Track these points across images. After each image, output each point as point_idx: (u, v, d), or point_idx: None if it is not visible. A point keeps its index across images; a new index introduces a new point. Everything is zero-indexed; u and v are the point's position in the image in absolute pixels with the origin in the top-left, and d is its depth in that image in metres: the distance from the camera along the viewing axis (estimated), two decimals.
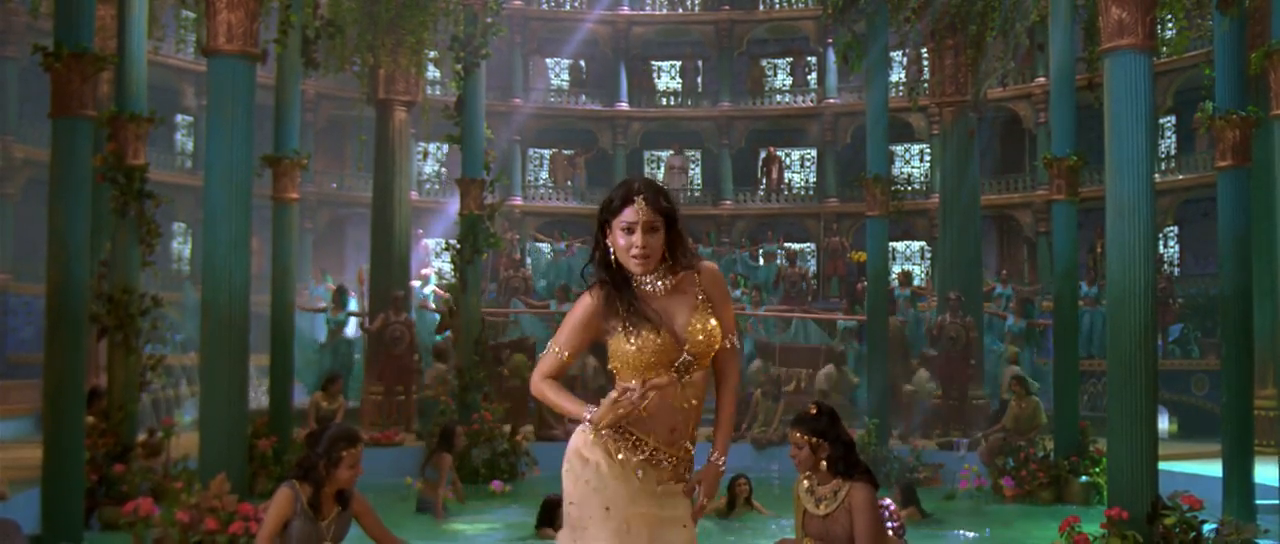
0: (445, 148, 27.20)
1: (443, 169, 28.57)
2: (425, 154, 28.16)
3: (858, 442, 13.50)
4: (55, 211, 7.96)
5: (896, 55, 24.89)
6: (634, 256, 3.49)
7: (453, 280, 14.87)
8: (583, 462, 3.56)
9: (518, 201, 27.46)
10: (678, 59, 30.34)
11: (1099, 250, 20.95)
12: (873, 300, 14.68)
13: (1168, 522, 6.72)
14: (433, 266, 24.49)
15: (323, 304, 18.92)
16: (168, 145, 25.04)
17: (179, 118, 25.14)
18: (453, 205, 19.83)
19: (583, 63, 30.09)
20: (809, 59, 29.54)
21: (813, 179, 29.61)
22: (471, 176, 14.63)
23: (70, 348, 7.87)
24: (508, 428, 14.19)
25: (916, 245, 28.90)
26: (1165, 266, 24.13)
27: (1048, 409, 13.43)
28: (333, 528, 5.47)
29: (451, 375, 14.93)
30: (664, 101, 29.68)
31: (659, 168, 30.07)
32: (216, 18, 6.96)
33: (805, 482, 5.16)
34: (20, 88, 21.28)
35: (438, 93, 22.59)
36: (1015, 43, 15.10)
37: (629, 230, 3.48)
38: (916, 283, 25.64)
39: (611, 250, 3.54)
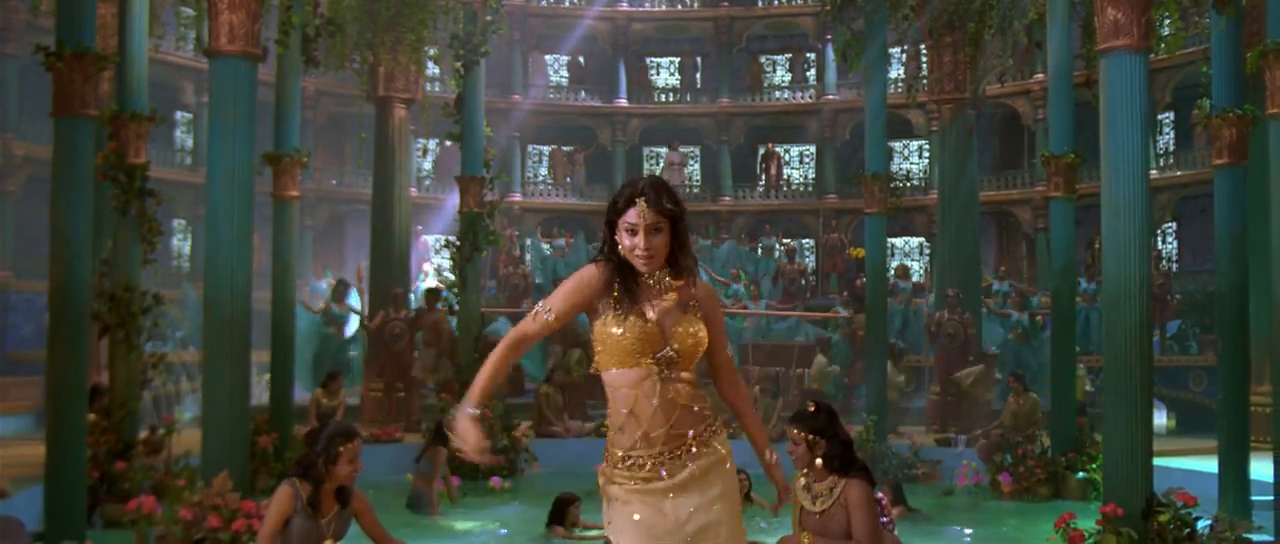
0: (445, 143, 27.21)
1: (436, 164, 28.56)
2: (424, 151, 28.20)
3: (856, 438, 13.60)
4: (57, 210, 8.00)
5: (895, 51, 24.93)
6: (638, 257, 3.52)
7: (453, 277, 14.89)
8: (607, 502, 3.68)
9: (517, 198, 27.51)
10: (677, 55, 30.37)
11: (1097, 246, 20.98)
12: (871, 298, 14.71)
13: (1162, 518, 6.78)
14: (431, 263, 24.55)
15: (323, 303, 18.97)
16: (167, 142, 25.06)
17: (178, 114, 25.16)
18: (451, 201, 19.88)
19: (582, 59, 30.12)
20: (808, 55, 29.57)
21: (811, 175, 29.65)
22: (471, 174, 14.66)
23: (72, 346, 7.91)
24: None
25: (915, 241, 28.95)
26: (1163, 263, 24.18)
27: (1045, 405, 13.49)
28: (333, 526, 5.52)
29: (444, 363, 14.99)
30: (663, 98, 29.72)
31: (658, 164, 30.11)
32: (218, 19, 7.00)
33: (802, 479, 5.22)
34: (20, 85, 21.29)
35: (437, 89, 22.61)
36: (1013, 40, 15.14)
37: (632, 231, 3.51)
38: (915, 278, 25.69)
39: (620, 246, 3.58)
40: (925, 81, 17.46)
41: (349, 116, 23.93)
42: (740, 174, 29.37)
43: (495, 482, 12.84)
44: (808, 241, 28.74)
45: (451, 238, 15.11)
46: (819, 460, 5.10)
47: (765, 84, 29.61)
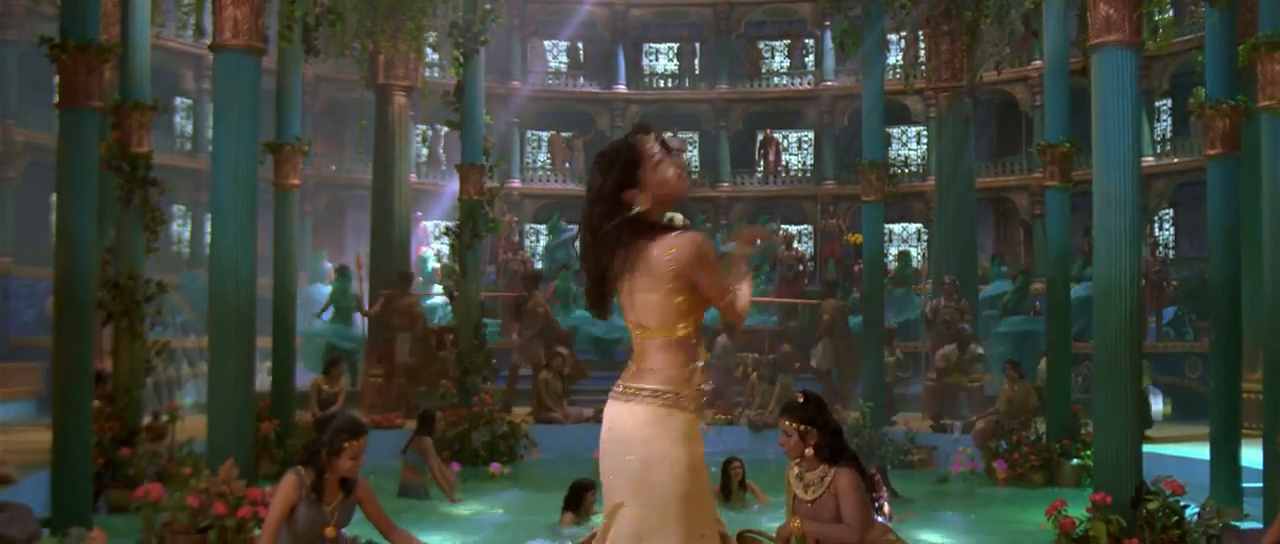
0: (443, 130, 27.27)
1: (436, 150, 28.61)
2: (424, 137, 28.25)
3: (852, 424, 13.70)
4: (63, 201, 8.10)
5: (893, 37, 24.96)
6: (683, 179, 3.67)
7: (452, 264, 14.99)
8: None
9: (516, 184, 27.59)
10: (675, 41, 30.38)
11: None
12: (868, 284, 14.82)
13: (1151, 506, 6.89)
14: (430, 247, 24.64)
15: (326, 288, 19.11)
16: (167, 128, 25.11)
17: (178, 101, 25.21)
18: (451, 186, 19.95)
19: (580, 45, 30.16)
20: (806, 41, 29.58)
21: (810, 161, 29.72)
22: (471, 162, 14.74)
23: (78, 335, 8.01)
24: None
25: (913, 227, 29.03)
26: (1160, 250, 24.27)
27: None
28: (336, 513, 5.64)
29: (419, 347, 15.14)
30: (661, 84, 29.76)
31: None
32: (222, 13, 7.09)
33: (795, 468, 5.34)
34: (20, 72, 21.33)
35: (436, 75, 22.66)
36: (1010, 29, 15.19)
37: (670, 155, 3.65)
38: (914, 265, 25.79)
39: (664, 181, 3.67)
40: (923, 68, 17.52)
41: (348, 102, 24.00)
42: (739, 160, 29.44)
43: (495, 468, 12.97)
44: (806, 227, 28.84)
45: (450, 223, 15.19)
46: (810, 450, 5.22)
47: (764, 70, 29.64)
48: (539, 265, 24.29)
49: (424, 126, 27.37)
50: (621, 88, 28.83)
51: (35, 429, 13.42)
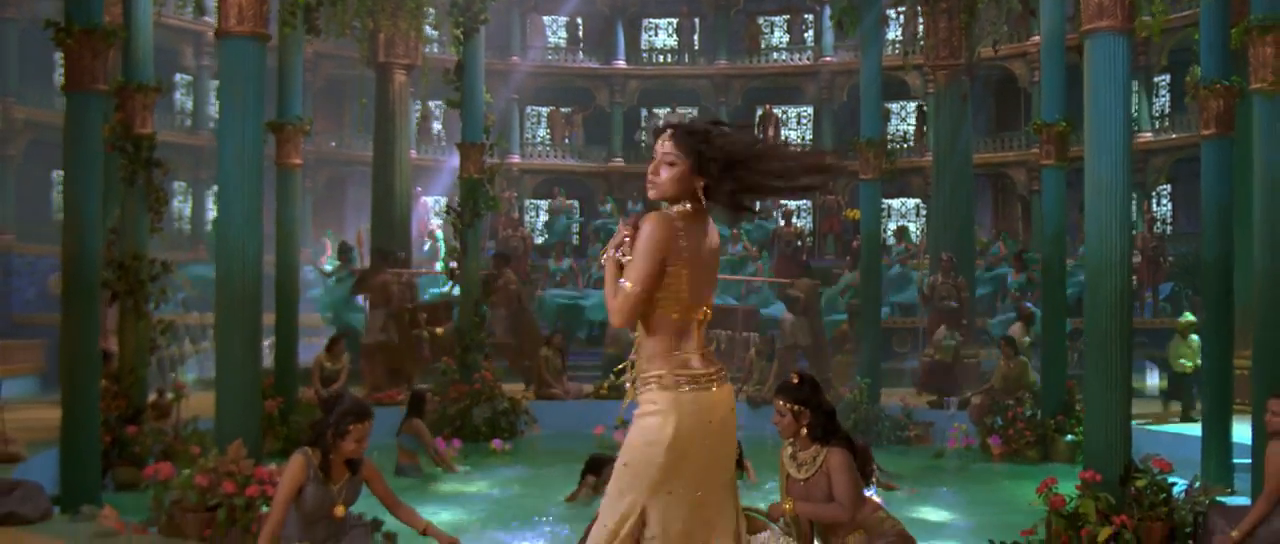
0: (440, 104, 27.30)
1: (427, 127, 28.62)
2: (423, 116, 28.25)
3: (849, 401, 13.81)
4: (69, 184, 8.19)
5: (892, 12, 24.94)
6: (647, 182, 3.80)
7: (454, 243, 15.07)
8: None
9: (516, 159, 27.64)
10: (674, 16, 30.38)
11: None
12: (866, 262, 14.89)
13: (1139, 484, 7.02)
14: (431, 226, 24.73)
15: (329, 269, 19.22)
16: (167, 105, 25.15)
17: (178, 77, 25.24)
18: (452, 160, 19.98)
19: (579, 20, 30.15)
20: (806, 16, 29.57)
21: (809, 136, 29.76)
22: (471, 141, 14.80)
23: (86, 316, 8.12)
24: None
25: (912, 203, 29.11)
26: (1157, 225, 24.37)
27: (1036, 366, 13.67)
28: (344, 492, 5.77)
29: (392, 324, 15.28)
30: (661, 59, 29.78)
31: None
32: (228, 0, 7.16)
33: (789, 447, 5.47)
34: (20, 50, 21.36)
35: (436, 51, 22.69)
36: (1007, 7, 15.23)
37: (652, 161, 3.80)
38: (913, 240, 25.89)
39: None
40: (922, 44, 17.55)
41: (348, 79, 24.03)
42: None
43: (496, 444, 13.12)
44: (804, 203, 28.90)
45: (450, 198, 15.27)
46: (805, 430, 5.34)
47: (763, 46, 29.65)
48: (539, 240, 24.45)
49: (424, 102, 27.39)
50: (621, 63, 28.85)
51: (40, 406, 13.54)
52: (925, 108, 27.78)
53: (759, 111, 29.82)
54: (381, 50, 18.18)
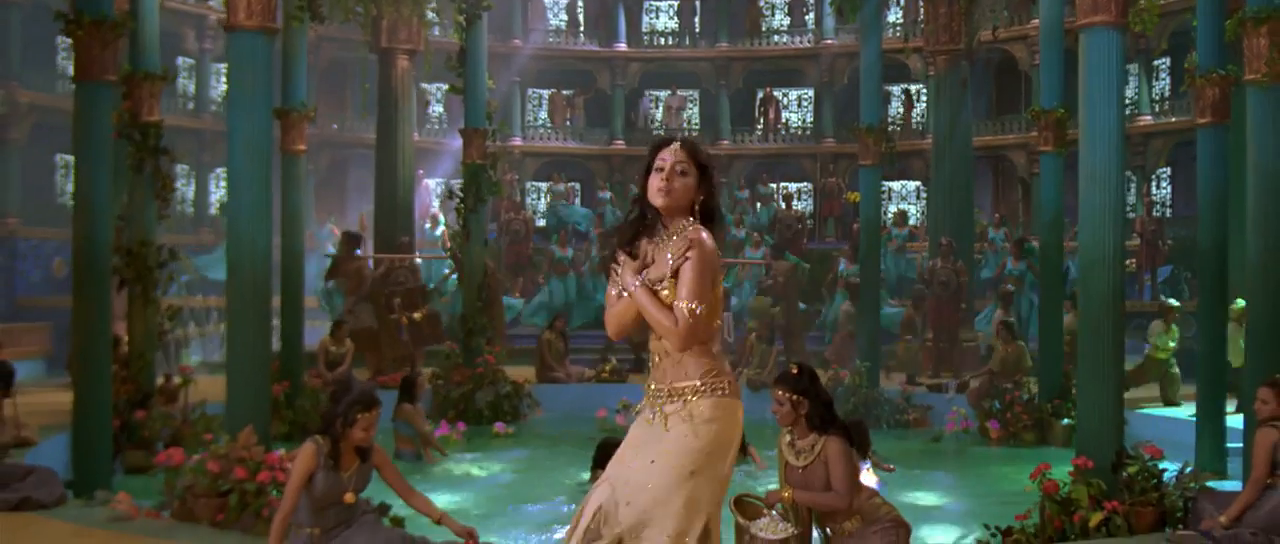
0: (441, 88, 27.33)
1: (440, 109, 28.72)
2: (426, 102, 28.28)
3: (848, 384, 13.94)
4: (79, 173, 8.31)
5: None
6: (658, 192, 3.84)
7: (456, 228, 15.16)
8: None
9: (517, 142, 27.70)
10: None
11: None
12: (866, 246, 14.99)
13: (1131, 470, 7.17)
14: (435, 209, 24.82)
15: (330, 251, 19.32)
16: (169, 89, 25.21)
17: (180, 61, 25.30)
18: (452, 142, 20.03)
19: (580, 3, 30.17)
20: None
21: (810, 119, 29.83)
22: (474, 126, 14.87)
23: (97, 303, 8.26)
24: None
25: (913, 185, 29.18)
26: (1156, 208, 24.44)
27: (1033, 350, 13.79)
28: (354, 479, 5.91)
29: (363, 308, 15.37)
30: (661, 42, 29.81)
31: (657, 108, 30.28)
32: None
33: (787, 435, 5.61)
34: (24, 33, 21.41)
35: (438, 34, 22.75)
36: None
37: (660, 170, 3.85)
38: (913, 223, 26.00)
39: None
40: (922, 28, 17.60)
41: (351, 62, 24.04)
42: (739, 118, 29.56)
43: (499, 427, 13.26)
44: (805, 185, 29.00)
45: (452, 181, 15.33)
46: (803, 419, 5.48)
47: (764, 28, 29.67)
48: (541, 223, 24.52)
49: (418, 85, 27.40)
50: (622, 46, 28.88)
51: (47, 390, 13.69)
52: (911, 91, 27.89)
53: (760, 94, 29.87)
54: (384, 36, 18.24)
